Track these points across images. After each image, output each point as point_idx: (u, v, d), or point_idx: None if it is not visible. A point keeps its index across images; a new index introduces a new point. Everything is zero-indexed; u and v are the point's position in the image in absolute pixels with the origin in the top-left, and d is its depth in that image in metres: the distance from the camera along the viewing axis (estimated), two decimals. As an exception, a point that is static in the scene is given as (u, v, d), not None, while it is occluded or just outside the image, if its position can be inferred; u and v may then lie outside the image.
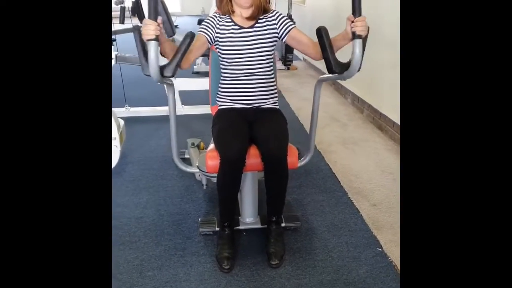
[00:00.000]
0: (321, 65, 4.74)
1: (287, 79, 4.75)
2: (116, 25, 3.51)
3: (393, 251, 1.83)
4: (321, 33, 1.45)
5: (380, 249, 1.85)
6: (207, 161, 1.71)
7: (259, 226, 1.94)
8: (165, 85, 1.68)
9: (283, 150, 1.62)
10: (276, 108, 1.88)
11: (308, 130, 3.15)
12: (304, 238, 1.93)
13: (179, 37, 3.89)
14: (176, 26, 6.34)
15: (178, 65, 1.43)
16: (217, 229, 1.88)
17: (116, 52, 2.85)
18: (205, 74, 4.40)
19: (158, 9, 1.35)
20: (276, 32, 1.77)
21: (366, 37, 1.47)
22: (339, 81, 4.19)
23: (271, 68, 1.85)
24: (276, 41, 1.80)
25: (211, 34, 1.74)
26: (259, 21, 1.76)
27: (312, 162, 2.67)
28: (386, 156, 2.80)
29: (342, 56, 1.57)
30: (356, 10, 1.43)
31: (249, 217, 1.95)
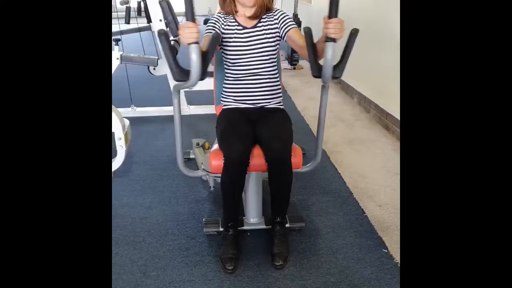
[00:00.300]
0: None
1: (293, 79, 4.74)
2: (121, 25, 3.52)
3: (398, 252, 1.82)
4: (306, 34, 1.41)
5: (386, 251, 1.83)
6: (211, 161, 1.70)
7: (263, 226, 1.93)
8: (173, 91, 1.67)
9: (287, 150, 1.60)
10: (280, 108, 1.87)
11: (313, 130, 3.14)
12: (309, 239, 1.91)
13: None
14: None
15: (207, 67, 1.41)
16: (221, 229, 1.88)
17: (122, 52, 2.85)
18: (210, 74, 4.40)
19: (194, 10, 1.33)
20: (278, 32, 1.76)
21: (353, 40, 1.41)
22: (345, 80, 4.17)
23: (275, 67, 1.84)
24: (279, 40, 1.79)
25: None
26: (262, 20, 1.75)
27: (318, 162, 2.65)
28: (393, 157, 2.78)
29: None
30: (332, 11, 1.36)
31: (253, 218, 1.94)
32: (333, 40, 1.37)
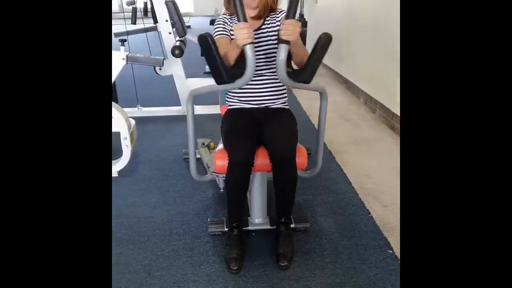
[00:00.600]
0: (332, 64, 4.70)
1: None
2: (128, 26, 3.53)
3: (404, 253, 1.81)
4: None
5: (391, 251, 1.82)
6: (215, 161, 1.71)
7: (268, 227, 1.93)
8: (188, 97, 1.68)
9: (291, 150, 1.60)
10: (285, 108, 1.87)
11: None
12: (314, 239, 1.91)
13: (191, 37, 3.90)
14: (188, 27, 6.36)
15: None
16: (226, 229, 1.88)
17: (127, 53, 2.87)
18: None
19: (245, 11, 1.35)
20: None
21: (326, 45, 1.37)
22: (351, 80, 4.16)
23: (280, 68, 1.83)
24: None
25: (229, 34, 1.74)
26: (266, 22, 1.74)
27: (323, 162, 2.64)
28: (398, 157, 2.76)
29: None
30: (290, 11, 1.34)
31: (258, 218, 1.94)
32: (286, 42, 1.35)
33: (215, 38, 1.65)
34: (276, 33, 1.74)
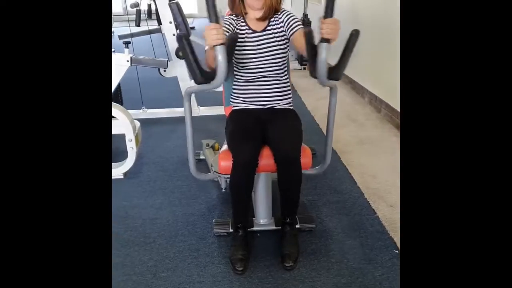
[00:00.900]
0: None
1: (303, 79, 4.72)
2: (132, 28, 3.55)
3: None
4: (305, 36, 1.39)
5: (397, 251, 1.81)
6: (220, 162, 1.71)
7: (273, 227, 1.92)
8: (184, 95, 1.68)
9: (296, 151, 1.60)
10: (290, 108, 1.86)
11: (324, 130, 3.12)
12: (319, 240, 1.90)
13: (195, 38, 3.91)
14: (192, 28, 6.37)
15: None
16: (231, 230, 1.88)
17: (131, 55, 2.88)
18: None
19: (217, 12, 1.33)
20: (284, 34, 1.75)
21: (353, 41, 1.37)
22: (356, 80, 4.14)
23: (285, 69, 1.83)
24: (288, 42, 1.78)
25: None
26: (271, 24, 1.74)
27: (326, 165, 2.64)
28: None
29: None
30: (328, 11, 1.34)
31: (263, 219, 1.94)
32: (327, 40, 1.34)
33: None
34: (281, 34, 1.74)
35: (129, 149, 2.44)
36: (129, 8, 4.56)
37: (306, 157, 1.70)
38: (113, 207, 2.18)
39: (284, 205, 1.79)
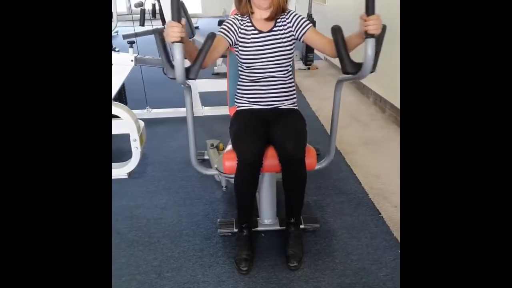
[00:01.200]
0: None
1: (307, 79, 4.72)
2: (136, 28, 3.55)
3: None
4: (335, 33, 1.44)
5: (402, 252, 1.80)
6: (224, 162, 1.71)
7: (277, 227, 1.92)
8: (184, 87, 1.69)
9: (300, 151, 1.60)
10: (294, 108, 1.86)
11: (328, 130, 3.12)
12: (324, 240, 1.90)
13: (199, 38, 3.92)
14: (196, 28, 6.38)
15: (201, 66, 1.43)
16: (235, 230, 1.88)
17: (136, 54, 2.88)
18: (225, 75, 4.41)
19: (180, 10, 1.35)
20: (292, 34, 1.74)
21: (382, 35, 1.44)
22: (361, 80, 4.13)
23: (290, 69, 1.83)
24: (294, 42, 1.77)
25: (233, 37, 1.73)
26: (277, 24, 1.74)
27: (332, 163, 2.61)
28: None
29: (355, 55, 1.55)
30: (369, 8, 1.39)
31: (267, 219, 1.94)
32: (373, 36, 1.40)
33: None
34: (288, 34, 1.74)
35: (133, 149, 2.44)
36: (133, 8, 4.57)
37: (310, 158, 1.69)
38: (118, 207, 2.19)
39: (288, 205, 1.78)
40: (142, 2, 4.15)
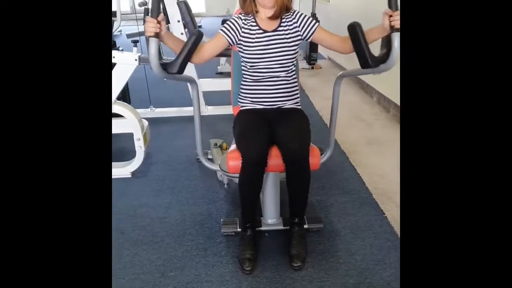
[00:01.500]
0: (346, 63, 4.67)
1: (311, 78, 4.71)
2: (140, 27, 3.55)
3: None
4: (356, 29, 1.46)
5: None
6: (228, 161, 1.70)
7: (281, 227, 1.92)
8: (188, 84, 1.73)
9: (304, 151, 1.59)
10: (297, 108, 1.85)
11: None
12: (327, 240, 1.90)
13: (203, 38, 3.91)
14: (199, 27, 6.37)
15: (184, 62, 1.48)
16: (239, 230, 1.88)
17: (140, 53, 2.88)
18: (228, 75, 4.41)
19: (159, 7, 1.42)
20: (299, 34, 1.74)
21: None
22: (364, 79, 4.12)
23: (293, 69, 1.82)
24: (299, 43, 1.77)
25: (233, 37, 1.72)
26: (282, 24, 1.73)
27: (336, 163, 2.63)
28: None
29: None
30: (393, 4, 1.43)
31: (271, 218, 1.93)
32: (398, 30, 1.44)
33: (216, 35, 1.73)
34: (294, 34, 1.73)
35: (137, 148, 2.44)
36: (137, 7, 4.56)
37: (314, 157, 1.69)
38: (122, 206, 2.19)
39: (292, 205, 1.78)
40: (146, 1, 4.15)
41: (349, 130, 3.18)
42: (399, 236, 1.91)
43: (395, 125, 3.30)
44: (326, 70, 5.16)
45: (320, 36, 1.74)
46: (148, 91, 3.53)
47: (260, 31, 1.72)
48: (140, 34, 3.57)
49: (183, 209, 2.17)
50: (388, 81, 3.57)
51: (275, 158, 1.65)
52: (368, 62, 1.49)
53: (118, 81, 2.40)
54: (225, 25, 1.74)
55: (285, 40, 1.72)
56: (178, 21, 3.19)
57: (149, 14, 1.42)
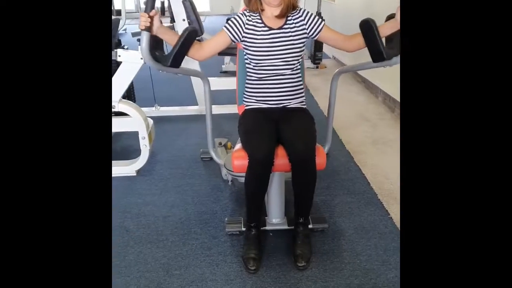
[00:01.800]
0: (350, 62, 4.66)
1: (316, 78, 4.70)
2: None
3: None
4: (371, 24, 1.53)
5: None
6: (233, 161, 1.70)
7: (286, 227, 1.92)
8: (192, 80, 1.80)
9: (310, 151, 1.59)
10: (303, 107, 1.85)
11: (336, 129, 3.11)
12: (332, 240, 1.89)
13: (207, 36, 3.91)
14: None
15: (177, 56, 1.56)
16: (243, 229, 1.88)
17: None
18: (233, 74, 4.41)
19: (153, 3, 1.53)
20: (305, 33, 1.74)
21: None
22: (369, 79, 4.11)
23: (299, 67, 1.82)
24: (305, 41, 1.77)
25: (236, 34, 1.72)
26: (288, 22, 1.73)
27: (341, 163, 2.62)
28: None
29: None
30: None
31: (275, 218, 1.93)
32: None
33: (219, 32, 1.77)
34: (300, 32, 1.73)
35: (142, 147, 2.45)
36: (141, 6, 4.57)
37: (320, 157, 1.68)
38: (127, 204, 2.20)
39: (297, 205, 1.78)
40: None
41: (354, 130, 3.17)
42: (404, 236, 1.90)
43: (400, 125, 3.29)
44: (331, 69, 5.14)
45: (326, 34, 1.75)
46: (153, 90, 3.53)
47: (266, 28, 1.71)
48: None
49: (187, 207, 2.17)
50: (394, 81, 3.56)
51: (280, 158, 1.65)
52: (383, 55, 1.55)
53: (124, 79, 2.40)
54: (228, 22, 1.75)
55: (291, 38, 1.72)
56: (183, 20, 3.19)
57: (144, 10, 1.53)
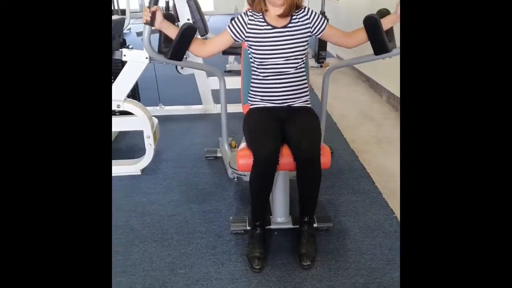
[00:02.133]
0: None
1: (320, 77, 4.66)
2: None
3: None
4: (376, 19, 1.63)
5: (416, 252, 1.79)
6: (238, 160, 1.70)
7: (290, 226, 1.92)
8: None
9: (315, 150, 1.59)
10: (308, 106, 1.85)
11: (340, 128, 3.11)
12: (337, 239, 1.89)
13: (211, 36, 3.91)
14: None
15: (176, 49, 1.68)
16: (248, 228, 1.88)
17: (150, 52, 2.88)
18: (237, 73, 4.40)
19: (157, 2, 1.65)
20: (309, 31, 1.74)
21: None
22: (373, 78, 4.10)
23: (303, 66, 1.82)
24: (308, 39, 1.77)
25: (238, 33, 1.74)
26: (293, 21, 1.73)
27: (345, 162, 2.62)
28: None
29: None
30: None
31: (280, 217, 1.93)
32: None
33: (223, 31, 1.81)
34: (305, 30, 1.73)
35: (147, 146, 2.45)
36: (147, 5, 4.57)
37: (325, 157, 1.68)
38: (132, 203, 2.20)
39: (302, 204, 1.78)
40: (156, 1, 4.15)
41: (358, 129, 3.17)
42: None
43: (405, 124, 3.28)
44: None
45: (329, 32, 1.79)
46: (157, 89, 3.54)
47: (269, 27, 1.72)
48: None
49: (192, 206, 2.17)
50: (398, 80, 3.55)
51: (285, 157, 1.65)
52: (387, 48, 1.69)
53: (129, 79, 2.41)
54: (232, 21, 1.76)
55: (295, 36, 1.72)
56: (188, 19, 3.19)
57: (148, 6, 1.66)
